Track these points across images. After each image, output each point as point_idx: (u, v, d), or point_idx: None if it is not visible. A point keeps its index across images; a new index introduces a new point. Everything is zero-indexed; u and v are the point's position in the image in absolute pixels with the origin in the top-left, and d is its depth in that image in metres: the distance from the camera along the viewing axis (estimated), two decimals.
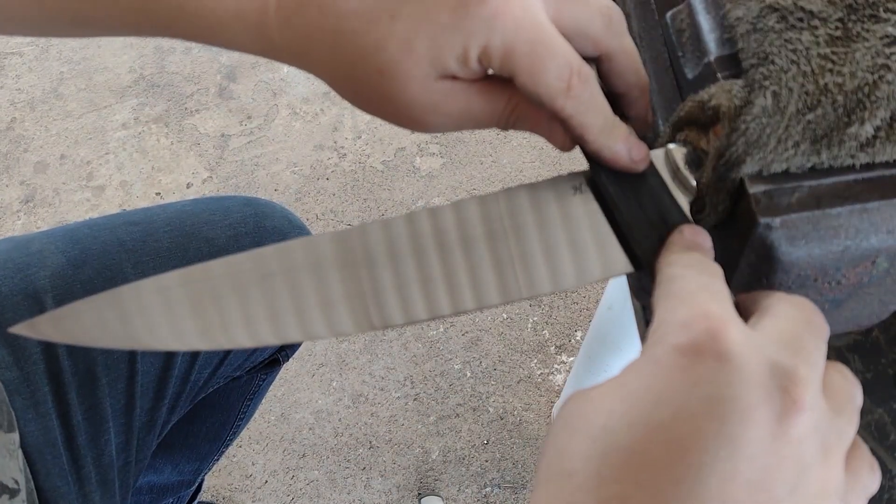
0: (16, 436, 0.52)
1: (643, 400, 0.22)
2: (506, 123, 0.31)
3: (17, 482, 0.50)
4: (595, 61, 0.31)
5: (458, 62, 0.28)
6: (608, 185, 0.30)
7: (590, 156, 0.30)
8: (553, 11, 0.29)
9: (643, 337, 0.38)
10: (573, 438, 0.23)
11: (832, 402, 0.24)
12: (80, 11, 0.34)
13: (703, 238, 0.28)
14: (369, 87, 0.29)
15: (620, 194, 0.30)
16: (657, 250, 0.29)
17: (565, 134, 0.31)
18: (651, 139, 0.38)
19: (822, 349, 0.24)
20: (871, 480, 0.25)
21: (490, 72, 0.30)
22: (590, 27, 0.30)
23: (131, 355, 0.59)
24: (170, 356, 0.61)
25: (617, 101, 0.32)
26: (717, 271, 0.26)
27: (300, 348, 1.25)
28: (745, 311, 0.27)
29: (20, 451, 0.52)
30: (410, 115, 0.30)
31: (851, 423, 0.24)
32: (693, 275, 0.26)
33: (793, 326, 0.24)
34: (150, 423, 0.62)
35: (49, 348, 0.55)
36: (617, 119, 0.30)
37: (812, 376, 0.23)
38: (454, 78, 0.29)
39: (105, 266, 0.59)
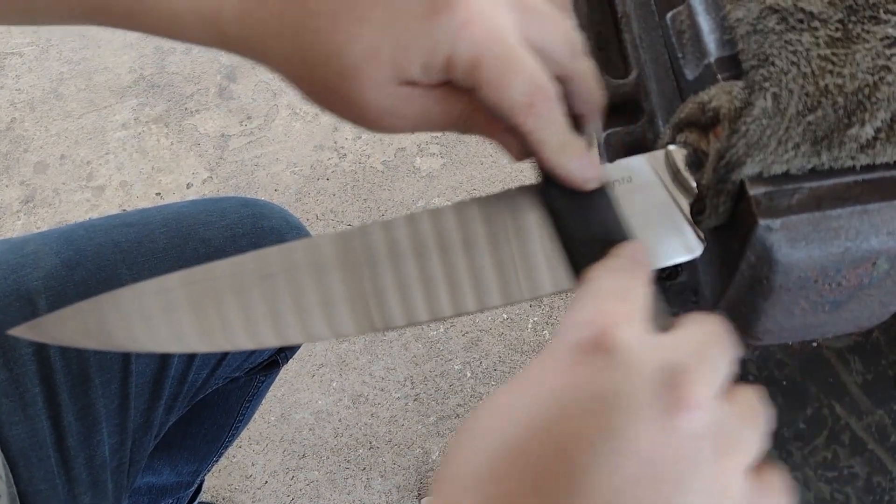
0: None
1: (536, 398, 0.23)
2: (462, 127, 0.31)
3: None
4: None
5: (421, 69, 0.28)
6: (557, 199, 0.30)
7: (543, 170, 0.31)
8: (520, 29, 0.29)
9: None
10: (470, 441, 0.23)
11: (732, 407, 0.24)
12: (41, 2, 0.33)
13: (641, 254, 0.28)
14: (328, 87, 0.29)
15: (568, 210, 0.30)
16: None
17: (520, 145, 0.31)
18: (651, 140, 0.38)
19: (725, 360, 0.24)
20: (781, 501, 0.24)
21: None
22: (554, 49, 0.30)
23: (125, 356, 0.58)
24: (165, 356, 0.61)
25: (572, 120, 0.32)
26: (641, 277, 0.27)
27: (300, 349, 1.25)
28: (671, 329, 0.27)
29: (0, 456, 0.52)
30: (366, 116, 0.30)
31: (755, 435, 0.24)
32: (610, 277, 0.26)
33: (696, 336, 0.25)
34: (147, 424, 0.61)
35: (41, 349, 0.55)
36: (574, 138, 0.30)
37: (705, 376, 0.23)
38: (414, 83, 0.29)
39: (99, 267, 0.59)
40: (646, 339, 0.24)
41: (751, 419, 0.24)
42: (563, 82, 0.31)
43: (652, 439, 0.21)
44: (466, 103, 0.30)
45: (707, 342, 0.24)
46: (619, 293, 0.25)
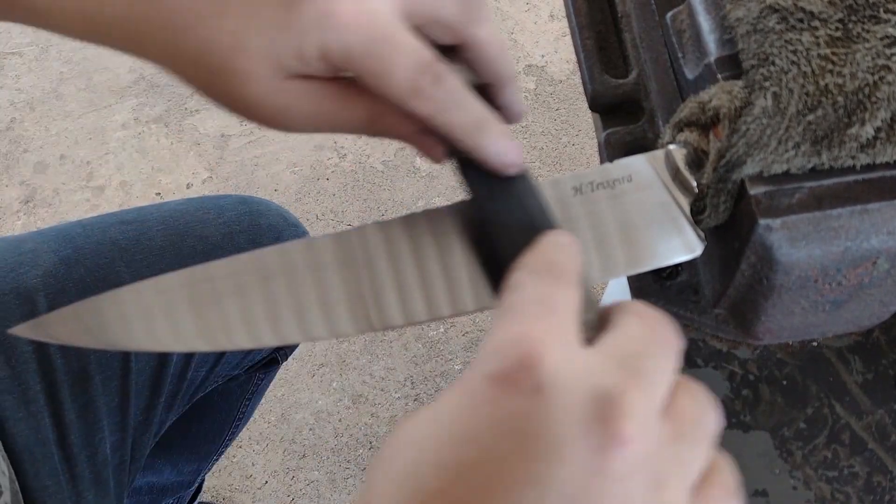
0: None
1: (453, 435, 0.20)
2: (370, 131, 0.30)
3: (0, 484, 0.50)
4: (455, 51, 0.29)
5: (297, 61, 0.27)
6: (477, 186, 0.28)
7: (460, 158, 0.28)
8: (399, 5, 0.27)
9: None
10: (383, 475, 0.21)
11: (673, 426, 0.21)
12: None
13: (567, 244, 0.25)
14: (212, 84, 0.28)
15: (489, 198, 0.27)
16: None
17: (434, 144, 0.29)
18: (652, 140, 0.38)
19: (666, 368, 0.22)
20: None
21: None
22: (441, 13, 0.28)
23: (125, 353, 0.58)
24: (164, 354, 0.61)
25: (485, 91, 0.30)
26: (566, 274, 0.23)
27: (300, 349, 1.25)
28: (602, 324, 0.24)
29: (2, 452, 0.52)
30: (261, 114, 0.28)
31: (698, 448, 0.21)
32: (532, 283, 0.23)
33: (633, 343, 0.22)
34: (146, 422, 0.62)
35: (41, 346, 0.55)
36: (489, 116, 0.28)
37: (642, 403, 0.20)
38: (307, 77, 0.28)
39: (98, 265, 0.59)
40: (574, 359, 0.21)
41: (692, 432, 0.21)
42: (462, 50, 0.29)
43: (581, 483, 0.19)
44: (370, 102, 0.28)
45: (645, 347, 0.22)
46: (543, 303, 0.22)
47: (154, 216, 0.64)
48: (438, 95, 0.26)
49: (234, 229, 0.65)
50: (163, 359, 0.61)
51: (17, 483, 0.52)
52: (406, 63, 0.26)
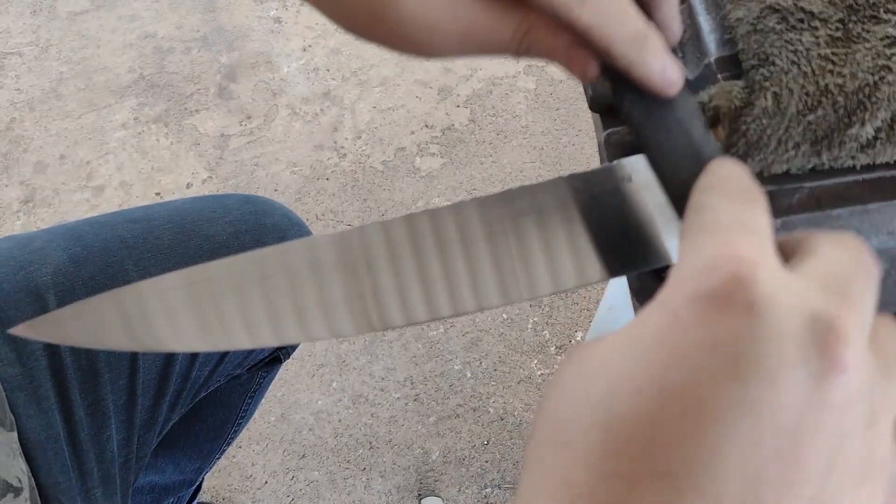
0: (16, 434, 0.52)
1: (655, 359, 0.19)
2: (517, 49, 0.28)
3: (20, 480, 0.50)
4: None
5: None
6: (634, 110, 0.27)
7: (616, 76, 0.27)
8: None
9: None
10: (571, 404, 0.20)
11: (881, 359, 0.20)
12: None
13: (747, 173, 0.24)
14: (362, 4, 0.27)
15: (648, 121, 0.26)
16: (689, 186, 0.24)
17: (587, 58, 0.27)
18: None
19: (872, 293, 0.21)
20: None
21: None
22: None
23: (133, 352, 0.59)
24: (171, 354, 0.61)
25: (642, 6, 0.29)
26: (758, 198, 0.22)
27: (300, 349, 1.25)
28: (787, 253, 0.23)
29: (20, 451, 0.52)
30: (405, 34, 0.27)
31: None
32: (727, 204, 0.22)
33: (840, 268, 0.21)
34: (151, 421, 0.62)
35: (51, 344, 0.56)
36: (650, 30, 0.26)
37: (859, 329, 0.19)
38: None
39: (107, 263, 0.60)
40: (785, 281, 0.20)
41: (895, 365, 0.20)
42: None
43: (798, 412, 0.18)
44: (521, 18, 0.27)
45: (852, 273, 0.20)
46: (744, 223, 0.21)
47: (161, 215, 0.65)
48: (604, 4, 0.25)
49: (240, 228, 0.66)
50: (169, 358, 0.62)
51: (33, 479, 0.53)
52: None
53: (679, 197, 0.25)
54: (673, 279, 0.21)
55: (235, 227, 0.66)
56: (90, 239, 0.61)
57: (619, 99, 0.27)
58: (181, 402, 0.65)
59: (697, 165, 0.25)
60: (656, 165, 0.26)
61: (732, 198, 0.22)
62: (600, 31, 0.26)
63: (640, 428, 0.18)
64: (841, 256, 0.21)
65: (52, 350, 0.56)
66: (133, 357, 0.59)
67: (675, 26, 0.29)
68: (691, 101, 0.27)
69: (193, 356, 0.64)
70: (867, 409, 0.19)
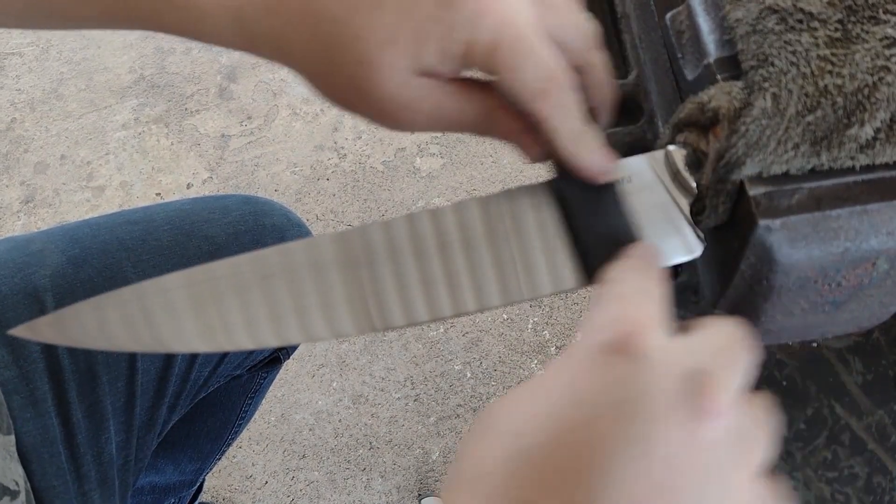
0: (13, 437, 0.52)
1: (558, 400, 0.22)
2: (479, 128, 0.31)
3: (17, 483, 0.50)
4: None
5: (439, 57, 0.28)
6: (570, 194, 0.30)
7: (557, 163, 0.31)
8: (538, 19, 0.29)
9: None
10: (488, 440, 0.23)
11: (750, 412, 0.24)
12: (60, 5, 0.34)
13: (654, 255, 0.29)
14: (346, 79, 0.30)
15: (580, 206, 0.30)
16: (608, 260, 0.29)
17: (536, 145, 0.31)
18: (651, 141, 0.38)
19: (743, 365, 0.24)
20: None
21: (468, 74, 0.30)
22: (569, 39, 0.30)
23: (131, 354, 0.59)
24: (170, 355, 0.61)
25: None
26: (658, 279, 0.27)
27: (301, 349, 1.25)
28: (683, 332, 0.27)
29: (16, 454, 0.52)
30: (383, 109, 0.30)
31: (767, 439, 0.24)
32: (631, 278, 0.26)
33: (716, 340, 0.24)
34: (151, 422, 0.62)
35: (49, 347, 0.55)
36: (589, 128, 0.30)
37: (727, 381, 0.23)
38: (431, 75, 0.29)
39: (105, 265, 0.59)
40: (669, 343, 0.24)
41: (764, 424, 0.24)
42: (579, 73, 0.31)
43: (676, 446, 0.21)
44: (483, 101, 0.31)
45: (727, 347, 0.24)
46: (641, 295, 0.25)
47: (160, 216, 0.64)
48: (559, 102, 0.29)
49: (239, 229, 0.66)
50: (168, 359, 0.61)
51: (28, 483, 0.53)
52: (542, 65, 0.28)
53: (596, 267, 0.29)
54: (581, 334, 0.25)
55: (235, 228, 0.66)
56: (88, 241, 0.61)
57: (559, 182, 0.31)
58: (181, 403, 0.65)
59: (616, 245, 0.29)
60: (581, 240, 0.30)
61: (637, 273, 0.27)
62: (551, 124, 0.29)
63: (543, 459, 0.21)
64: (722, 335, 0.25)
65: (50, 352, 0.55)
66: (132, 358, 0.59)
67: (605, 91, 0.33)
68: (617, 192, 0.31)
69: (193, 357, 0.64)
70: (734, 450, 0.22)
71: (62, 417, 0.56)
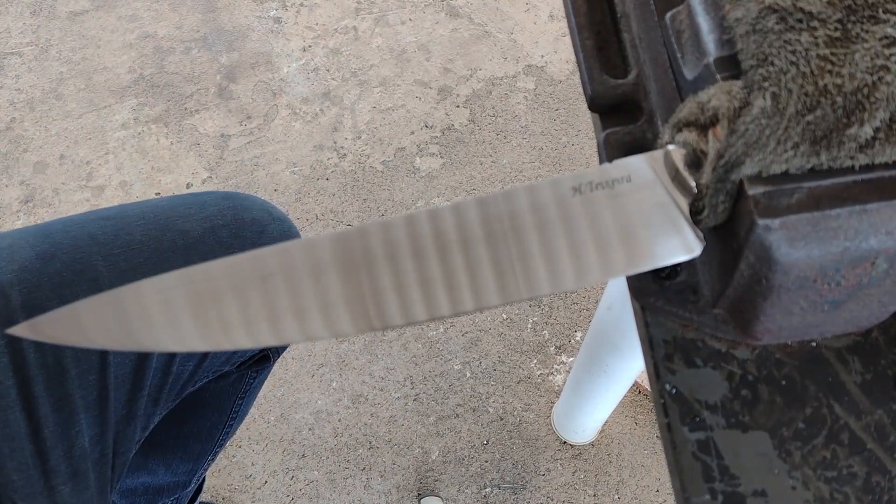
0: None
1: None
2: None
3: None
4: None
5: None
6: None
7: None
8: None
9: (643, 337, 0.38)
10: None
11: None
12: None
13: None
14: None
15: None
16: None
17: None
18: (651, 140, 0.38)
19: None
20: None
21: None
22: None
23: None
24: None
25: None
26: None
27: (300, 349, 1.25)
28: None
29: None
30: None
31: None
32: None
33: None
34: (130, 415, 0.61)
35: (13, 341, 0.55)
36: None
37: None
38: None
39: (75, 259, 0.59)
40: None
41: None
42: None
43: None
44: None
45: None
46: None
47: (134, 212, 0.63)
48: None
49: (216, 224, 0.65)
50: (143, 353, 0.61)
51: None
52: None
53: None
54: None
55: (212, 223, 0.65)
56: (60, 236, 0.60)
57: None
58: (164, 397, 0.64)
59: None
60: None
61: None
62: None
63: None
64: None
65: (14, 347, 0.55)
66: (102, 352, 0.58)
67: None
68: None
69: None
70: None
71: (27, 412, 0.55)
